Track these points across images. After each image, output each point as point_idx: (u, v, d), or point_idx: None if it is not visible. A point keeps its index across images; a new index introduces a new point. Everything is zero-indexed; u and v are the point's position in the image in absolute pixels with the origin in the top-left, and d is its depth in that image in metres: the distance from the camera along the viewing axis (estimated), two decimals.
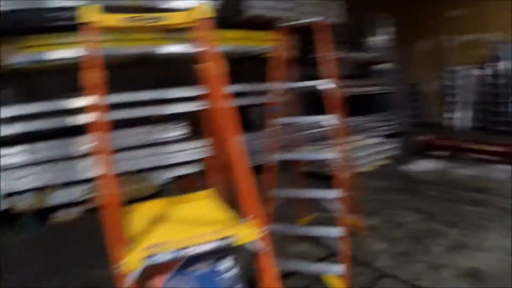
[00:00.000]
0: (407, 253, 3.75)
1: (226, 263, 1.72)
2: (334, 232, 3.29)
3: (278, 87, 3.73)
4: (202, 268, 1.68)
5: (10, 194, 6.24)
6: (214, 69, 1.84)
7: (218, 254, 1.71)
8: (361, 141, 7.90)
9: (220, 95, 1.82)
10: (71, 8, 6.90)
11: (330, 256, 3.79)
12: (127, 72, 6.80)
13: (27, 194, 6.17)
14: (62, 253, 4.89)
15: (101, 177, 1.60)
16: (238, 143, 1.79)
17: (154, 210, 2.15)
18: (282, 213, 4.08)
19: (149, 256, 1.57)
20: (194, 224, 1.93)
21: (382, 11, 12.01)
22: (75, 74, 7.18)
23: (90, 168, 6.64)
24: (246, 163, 1.79)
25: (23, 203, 6.10)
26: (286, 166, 6.60)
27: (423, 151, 7.86)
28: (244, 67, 9.00)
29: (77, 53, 6.70)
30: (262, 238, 1.73)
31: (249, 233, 1.71)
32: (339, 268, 3.13)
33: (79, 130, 6.95)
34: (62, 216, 6.45)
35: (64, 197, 6.54)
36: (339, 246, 3.21)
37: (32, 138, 6.72)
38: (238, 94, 8.22)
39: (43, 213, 6.35)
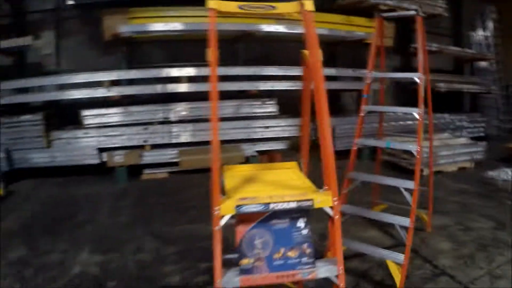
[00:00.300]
0: (470, 257, 3.76)
1: (300, 223, 1.98)
2: (402, 221, 3.39)
3: (371, 75, 3.84)
4: (279, 223, 1.96)
5: (106, 150, 7.12)
6: (315, 54, 2.06)
7: (295, 214, 1.97)
8: (446, 140, 7.67)
9: (317, 78, 2.04)
10: None
11: (395, 246, 3.92)
12: (226, 48, 7.21)
13: (122, 151, 6.96)
14: (145, 209, 5.55)
15: (211, 141, 1.93)
16: (327, 124, 2.01)
17: (245, 172, 2.48)
18: (355, 198, 4.26)
19: (240, 206, 1.89)
20: (279, 186, 2.24)
21: (491, 4, 11.19)
22: (175, 45, 7.89)
23: (180, 134, 7.32)
24: (331, 143, 2.01)
25: (117, 159, 6.89)
26: (370, 153, 6.71)
27: (510, 159, 7.40)
28: (340, 51, 9.09)
29: (177, 26, 7.31)
30: (335, 207, 1.96)
31: (325, 200, 1.96)
32: (400, 257, 3.27)
33: (174, 97, 7.64)
34: (151, 174, 7.22)
35: (155, 157, 7.29)
36: (405, 237, 3.31)
37: (130, 102, 7.53)
38: (332, 78, 8.33)
39: (135, 170, 7.17)
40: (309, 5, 2.12)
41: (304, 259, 1.97)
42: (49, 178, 7.03)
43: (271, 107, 7.87)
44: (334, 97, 8.98)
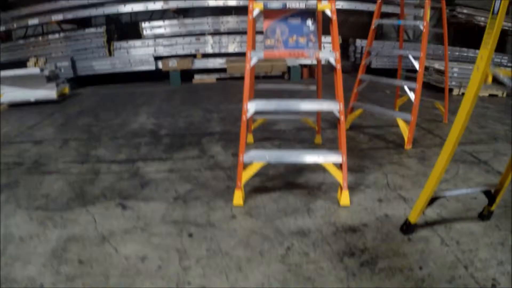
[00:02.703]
0: (479, 140, 3.94)
1: (309, 22, 2.46)
2: (410, 84, 3.73)
3: None
4: (294, 20, 2.52)
5: (162, 58, 7.75)
6: None
7: (304, 15, 2.44)
8: None
9: None
10: None
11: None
12: None
13: (176, 59, 7.57)
14: (195, 97, 6.19)
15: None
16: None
17: None
18: None
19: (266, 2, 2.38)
20: None
21: None
22: None
23: (229, 44, 7.80)
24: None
25: (171, 64, 7.52)
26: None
27: None
28: None
29: None
30: (341, 112, 2.51)
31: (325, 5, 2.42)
32: (408, 116, 3.67)
33: (224, 11, 8.04)
34: (201, 79, 7.86)
35: (205, 64, 7.87)
36: (413, 98, 3.64)
37: (185, 15, 8.01)
38: None
39: (187, 76, 7.80)
40: None
41: (310, 44, 2.53)
42: (110, 84, 7.85)
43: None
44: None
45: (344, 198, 2.56)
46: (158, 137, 4.13)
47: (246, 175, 2.58)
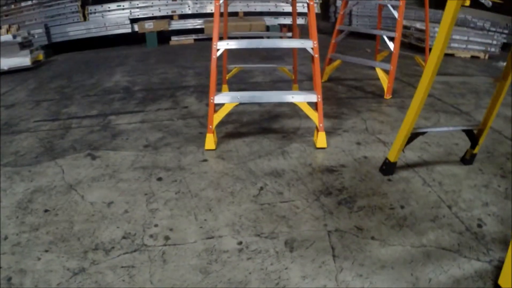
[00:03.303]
0: (460, 95, 3.83)
1: None
2: (389, 33, 3.60)
3: None
4: None
5: (138, 20, 7.47)
6: None
7: None
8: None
9: None
10: None
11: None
12: None
13: (151, 21, 7.30)
14: (171, 57, 6.02)
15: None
16: None
17: None
18: None
19: None
20: None
21: None
22: None
23: (207, 5, 7.55)
24: None
25: (147, 26, 7.26)
26: None
27: None
28: None
29: None
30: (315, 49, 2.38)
31: None
32: (387, 65, 3.58)
33: None
34: (178, 40, 7.61)
35: (182, 25, 7.62)
36: (392, 47, 3.51)
37: None
38: None
39: (164, 38, 7.55)
40: None
41: None
42: (85, 50, 7.55)
43: None
44: None
45: (321, 140, 2.50)
46: (131, 92, 4.01)
47: (217, 118, 2.50)
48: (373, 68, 4.63)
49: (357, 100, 3.52)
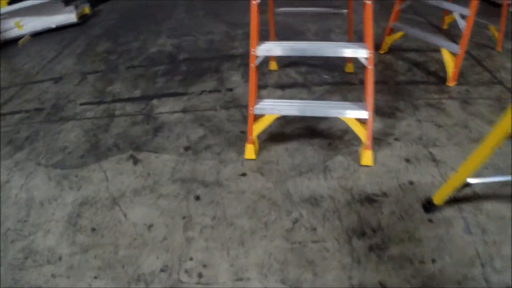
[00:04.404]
0: None
1: None
2: (462, 10, 3.01)
3: None
4: None
5: None
6: None
7: None
8: None
9: None
10: None
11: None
12: None
13: None
14: (220, 9, 5.62)
15: None
16: None
17: None
18: None
19: None
20: None
21: None
22: None
23: None
24: None
25: None
26: None
27: None
28: None
29: None
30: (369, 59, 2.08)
31: None
32: (455, 47, 3.05)
33: None
34: None
35: None
36: (463, 27, 2.98)
37: None
38: None
39: None
40: None
41: None
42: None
43: None
44: None
45: (366, 157, 2.28)
46: (176, 63, 3.93)
47: (257, 129, 2.38)
48: (440, 31, 4.13)
49: (417, 86, 3.12)
